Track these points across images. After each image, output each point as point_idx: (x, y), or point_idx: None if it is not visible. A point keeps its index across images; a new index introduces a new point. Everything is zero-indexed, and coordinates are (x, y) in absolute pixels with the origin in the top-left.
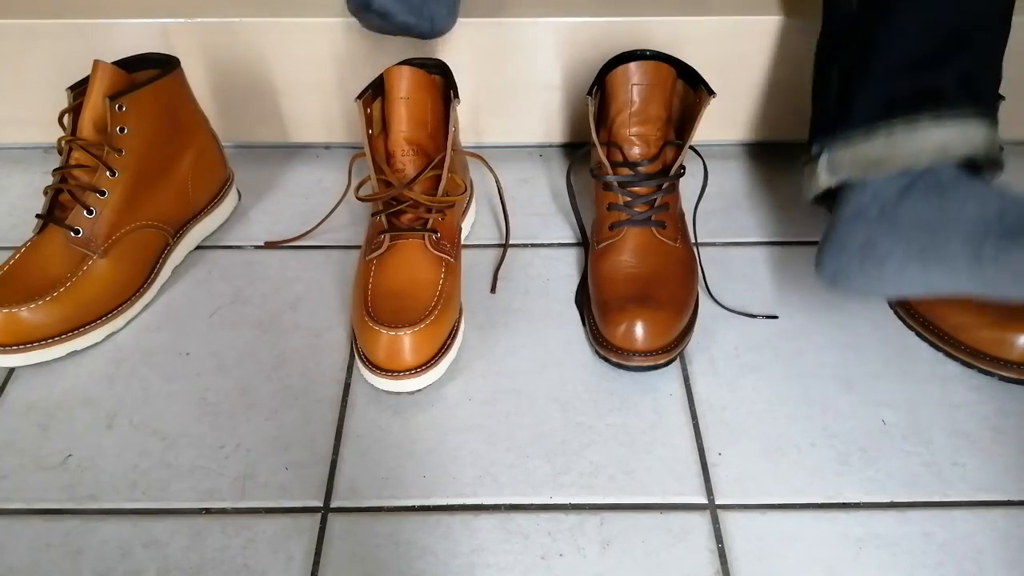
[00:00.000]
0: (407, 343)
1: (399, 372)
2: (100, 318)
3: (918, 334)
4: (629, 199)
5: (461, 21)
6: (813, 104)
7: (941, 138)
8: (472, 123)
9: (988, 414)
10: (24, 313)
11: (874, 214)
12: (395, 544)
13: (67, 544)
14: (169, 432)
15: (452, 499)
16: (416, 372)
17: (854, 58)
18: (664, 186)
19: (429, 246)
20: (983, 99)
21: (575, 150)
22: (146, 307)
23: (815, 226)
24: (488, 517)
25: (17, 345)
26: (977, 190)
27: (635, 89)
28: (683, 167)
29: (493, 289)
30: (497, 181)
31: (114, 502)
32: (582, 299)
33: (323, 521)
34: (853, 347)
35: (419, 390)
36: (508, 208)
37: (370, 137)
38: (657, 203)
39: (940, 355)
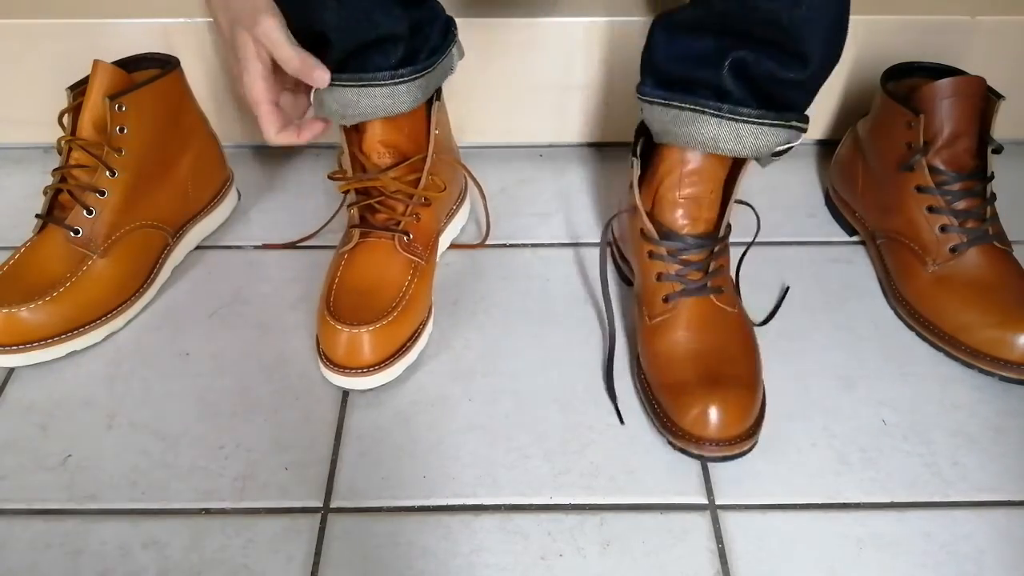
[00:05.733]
0: (362, 341)
1: (352, 369)
2: (100, 318)
3: (918, 334)
4: (680, 267)
5: (463, 21)
6: None
7: None
8: (472, 123)
9: (988, 414)
10: (24, 313)
11: None
12: (395, 544)
13: (67, 544)
14: (169, 432)
15: (452, 499)
16: (369, 371)
17: None
18: (716, 248)
19: (399, 247)
20: None
21: (575, 150)
22: (146, 307)
23: (816, 226)
24: (488, 517)
25: (17, 345)
26: None
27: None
28: (729, 223)
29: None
30: (480, 191)
31: (114, 502)
32: (630, 376)
33: (323, 521)
34: (853, 347)
35: (370, 389)
36: (492, 214)
37: (345, 131)
38: (711, 268)
39: (940, 355)
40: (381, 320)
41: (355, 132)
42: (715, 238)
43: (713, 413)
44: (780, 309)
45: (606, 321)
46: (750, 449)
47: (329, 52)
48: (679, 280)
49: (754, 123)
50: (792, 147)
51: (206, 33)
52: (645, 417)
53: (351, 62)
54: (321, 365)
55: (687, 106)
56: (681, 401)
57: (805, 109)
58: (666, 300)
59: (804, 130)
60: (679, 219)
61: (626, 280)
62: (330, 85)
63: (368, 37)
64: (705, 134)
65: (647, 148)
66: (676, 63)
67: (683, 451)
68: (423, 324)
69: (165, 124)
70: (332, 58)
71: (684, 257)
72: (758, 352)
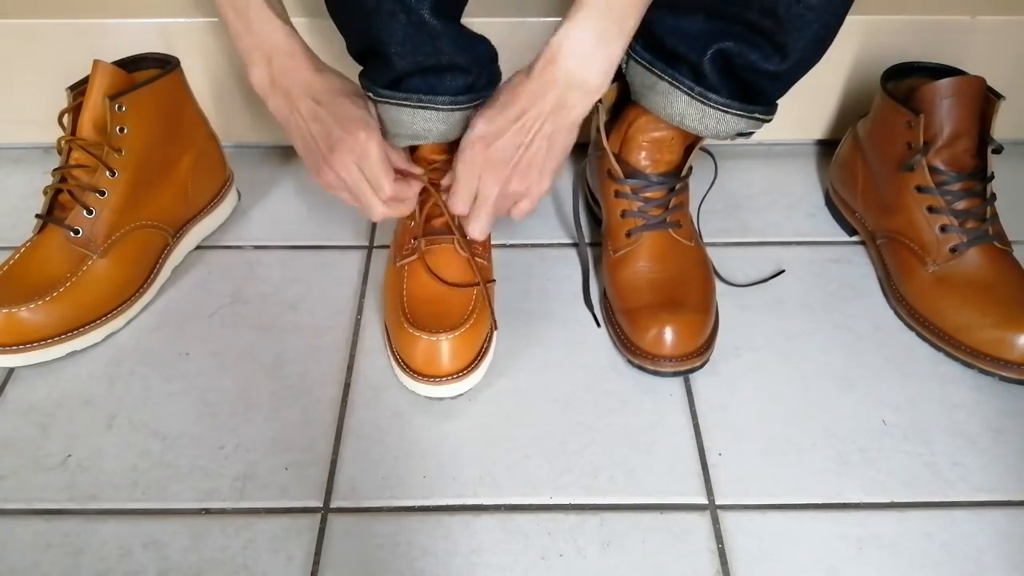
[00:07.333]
0: (446, 348)
1: (439, 378)
2: (100, 318)
3: (918, 334)
4: (642, 204)
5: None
6: None
7: None
8: None
9: (988, 414)
10: (24, 313)
11: None
12: (395, 544)
13: (67, 544)
14: (169, 432)
15: (452, 499)
16: (456, 377)
17: None
18: (676, 187)
19: (459, 249)
20: None
21: (574, 149)
22: (146, 307)
23: (816, 226)
24: (488, 517)
25: (17, 345)
26: None
27: None
28: (690, 165)
29: None
30: None
31: (114, 502)
32: (598, 304)
33: (323, 521)
34: (853, 347)
35: (460, 395)
36: None
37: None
38: (671, 204)
39: (940, 355)
40: (463, 325)
41: (406, 149)
42: (676, 176)
43: (668, 333)
44: (779, 308)
45: (581, 254)
46: (701, 365)
47: (385, 67)
48: (641, 216)
49: (720, 110)
50: (753, 133)
51: (206, 33)
52: (644, 414)
53: (410, 82)
54: (405, 377)
55: (665, 78)
56: (640, 323)
57: (775, 101)
58: (628, 235)
59: (767, 121)
60: (643, 160)
61: (598, 221)
62: (387, 102)
63: (428, 62)
64: (674, 109)
65: (621, 96)
66: (667, 33)
67: (640, 367)
68: (493, 323)
69: (165, 124)
70: (387, 75)
71: (646, 194)
72: (713, 281)
